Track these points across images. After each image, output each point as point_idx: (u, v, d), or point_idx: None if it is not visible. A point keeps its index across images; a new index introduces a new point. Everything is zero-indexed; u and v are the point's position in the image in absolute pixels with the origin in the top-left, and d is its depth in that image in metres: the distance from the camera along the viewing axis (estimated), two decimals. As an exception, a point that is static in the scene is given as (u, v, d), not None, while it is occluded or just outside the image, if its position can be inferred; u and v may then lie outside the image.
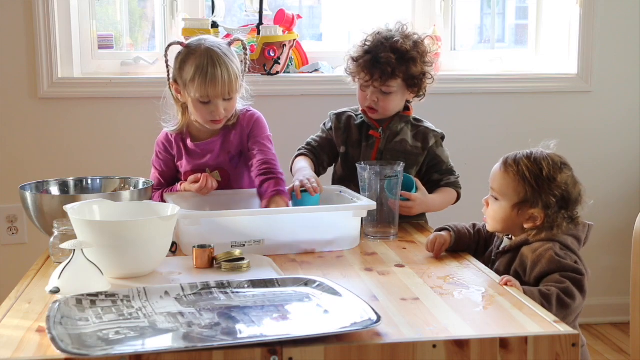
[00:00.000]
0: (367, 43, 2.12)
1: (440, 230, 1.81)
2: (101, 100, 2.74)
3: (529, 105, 2.99)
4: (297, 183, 1.97)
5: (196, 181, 1.99)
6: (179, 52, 2.03)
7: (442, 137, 2.20)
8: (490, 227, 1.75)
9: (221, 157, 2.09)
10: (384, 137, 2.14)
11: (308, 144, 2.23)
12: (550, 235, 1.65)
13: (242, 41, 2.10)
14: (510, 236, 1.74)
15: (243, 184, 2.14)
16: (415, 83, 2.12)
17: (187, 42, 2.04)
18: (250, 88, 2.15)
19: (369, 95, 2.11)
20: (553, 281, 1.57)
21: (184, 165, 2.12)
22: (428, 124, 2.20)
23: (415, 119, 2.19)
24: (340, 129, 2.19)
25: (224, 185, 2.10)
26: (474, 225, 1.83)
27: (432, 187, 2.17)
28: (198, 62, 1.97)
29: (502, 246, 1.73)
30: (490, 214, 1.72)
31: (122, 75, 2.82)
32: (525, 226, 1.68)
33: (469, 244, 1.80)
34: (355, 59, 2.13)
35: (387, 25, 2.15)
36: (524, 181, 1.66)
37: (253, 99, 2.17)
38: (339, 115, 2.22)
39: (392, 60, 2.06)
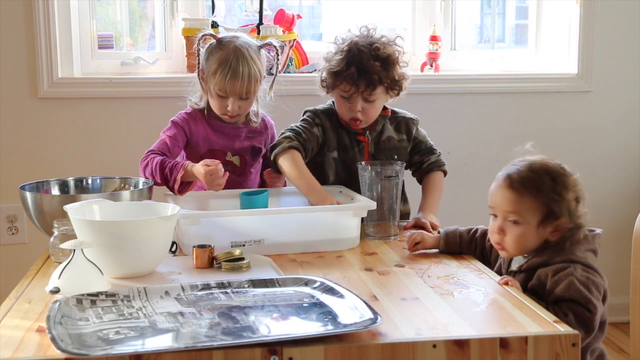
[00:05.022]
0: (343, 53, 2.06)
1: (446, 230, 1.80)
2: (101, 100, 2.74)
3: (529, 105, 2.99)
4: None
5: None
6: (210, 44, 2.12)
7: (418, 121, 2.22)
8: (512, 254, 1.62)
9: (245, 144, 2.17)
10: (371, 140, 2.14)
11: (298, 134, 2.08)
12: (571, 256, 1.55)
13: (275, 46, 2.16)
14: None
15: (254, 177, 2.21)
16: (396, 86, 2.10)
17: (220, 36, 2.13)
18: (274, 95, 2.20)
19: (353, 106, 2.07)
20: (558, 309, 1.50)
21: (207, 144, 2.14)
22: (402, 111, 2.22)
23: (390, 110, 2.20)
24: (332, 131, 2.14)
25: (240, 172, 2.17)
26: (475, 231, 1.78)
27: (415, 170, 2.23)
28: (223, 58, 2.06)
29: (514, 265, 1.64)
30: (514, 240, 1.59)
31: (122, 75, 2.82)
32: (552, 239, 1.58)
33: (459, 250, 1.77)
34: (336, 73, 2.06)
35: (351, 31, 2.11)
36: (542, 196, 1.56)
37: (271, 106, 2.21)
38: (328, 115, 2.16)
39: (378, 68, 2.04)
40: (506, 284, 1.51)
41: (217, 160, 1.94)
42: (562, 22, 3.03)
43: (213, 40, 2.11)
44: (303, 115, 2.17)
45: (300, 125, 2.12)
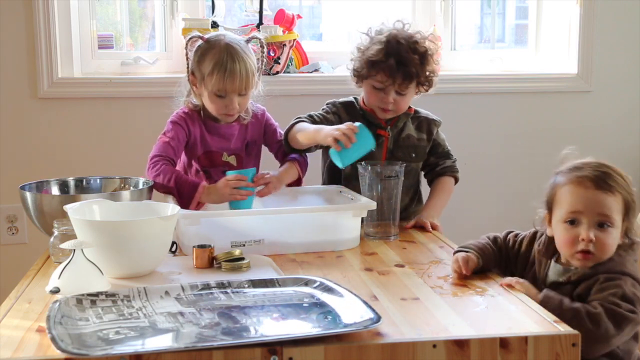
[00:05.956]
0: (382, 44, 2.07)
1: (461, 251, 1.62)
2: (101, 100, 2.74)
3: (529, 105, 2.99)
4: (336, 133, 1.88)
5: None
6: (199, 46, 2.10)
7: (440, 123, 2.25)
8: (599, 259, 1.49)
9: (238, 143, 2.17)
10: (391, 135, 2.15)
11: (310, 116, 2.14)
12: (622, 268, 1.47)
13: (260, 39, 2.17)
14: (554, 258, 1.56)
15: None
16: (427, 82, 2.14)
17: (207, 37, 2.11)
18: (263, 88, 2.19)
19: (386, 97, 2.09)
20: (592, 302, 1.43)
21: (203, 145, 2.13)
22: (425, 112, 2.24)
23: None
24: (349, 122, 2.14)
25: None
26: (495, 240, 1.67)
27: (428, 171, 2.24)
28: (217, 57, 2.04)
29: (554, 276, 1.54)
30: (609, 245, 1.48)
31: (122, 75, 2.82)
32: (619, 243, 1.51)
33: (494, 265, 1.65)
34: (374, 63, 2.08)
35: (385, 24, 2.14)
36: (624, 196, 1.49)
37: (262, 98, 2.20)
38: (347, 107, 2.18)
39: (416, 62, 2.07)
40: (509, 286, 1.49)
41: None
42: (562, 22, 3.03)
43: (201, 42, 2.09)
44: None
45: (316, 112, 2.17)
